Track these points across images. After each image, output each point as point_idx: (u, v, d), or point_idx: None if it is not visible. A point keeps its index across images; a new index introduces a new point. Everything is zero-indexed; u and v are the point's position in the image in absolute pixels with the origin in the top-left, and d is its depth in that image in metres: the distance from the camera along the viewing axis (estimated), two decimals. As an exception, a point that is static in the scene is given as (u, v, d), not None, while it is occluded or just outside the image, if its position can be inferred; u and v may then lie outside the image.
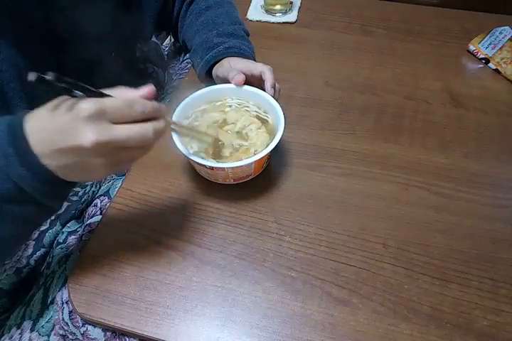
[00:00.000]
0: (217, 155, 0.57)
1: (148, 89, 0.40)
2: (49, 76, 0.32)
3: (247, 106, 0.61)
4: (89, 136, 0.35)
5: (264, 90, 0.59)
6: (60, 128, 0.36)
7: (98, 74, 0.53)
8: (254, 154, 0.54)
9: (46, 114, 0.37)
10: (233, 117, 0.60)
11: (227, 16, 0.70)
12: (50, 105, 0.37)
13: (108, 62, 0.60)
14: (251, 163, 0.53)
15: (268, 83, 0.58)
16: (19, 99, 0.51)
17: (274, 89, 0.59)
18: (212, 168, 0.53)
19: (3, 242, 0.42)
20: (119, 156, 0.39)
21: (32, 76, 0.32)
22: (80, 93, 0.35)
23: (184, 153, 0.53)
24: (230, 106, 0.61)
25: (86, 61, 0.57)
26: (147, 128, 0.38)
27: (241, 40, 0.67)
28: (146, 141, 0.39)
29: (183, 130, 0.53)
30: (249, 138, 0.58)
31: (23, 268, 0.61)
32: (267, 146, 0.53)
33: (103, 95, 0.37)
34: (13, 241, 0.44)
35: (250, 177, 0.59)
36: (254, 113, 0.60)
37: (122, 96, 0.38)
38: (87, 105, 0.35)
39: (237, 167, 0.53)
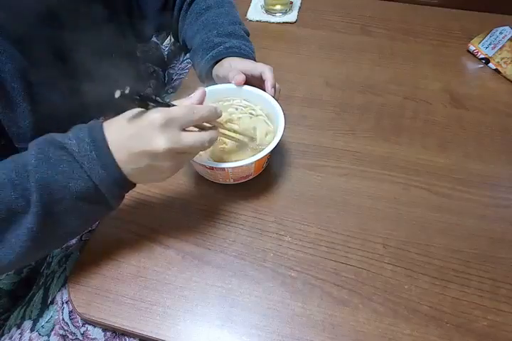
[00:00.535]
0: (218, 156, 0.57)
1: (199, 93, 0.45)
2: (130, 93, 0.37)
3: (253, 110, 0.61)
4: (162, 142, 0.40)
5: (264, 90, 0.59)
6: (136, 135, 0.41)
7: (99, 75, 0.53)
8: (257, 151, 0.54)
9: (123, 122, 0.42)
10: (247, 123, 0.60)
11: (228, 16, 0.70)
12: (125, 114, 0.42)
13: (109, 62, 0.60)
14: (251, 163, 0.53)
15: (268, 83, 0.58)
16: (22, 99, 0.51)
17: (275, 89, 0.59)
18: (212, 168, 0.53)
19: (66, 235, 0.48)
20: (182, 159, 0.44)
21: (117, 94, 0.37)
22: (152, 104, 0.41)
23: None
24: (236, 109, 0.61)
25: (88, 62, 0.57)
26: (206, 136, 0.44)
27: (241, 40, 0.67)
28: (204, 148, 0.45)
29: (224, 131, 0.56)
30: (254, 135, 0.58)
31: (23, 268, 0.61)
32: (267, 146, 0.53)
33: (169, 105, 0.42)
34: (72, 235, 0.49)
35: (250, 177, 0.59)
36: (262, 117, 0.60)
37: (183, 105, 0.44)
38: (159, 115, 0.40)
39: (237, 167, 0.53)
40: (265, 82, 0.58)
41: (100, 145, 0.41)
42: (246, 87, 0.60)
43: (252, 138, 0.57)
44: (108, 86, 0.40)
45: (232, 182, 0.58)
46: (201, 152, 0.56)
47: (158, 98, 0.41)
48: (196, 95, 0.45)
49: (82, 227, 0.49)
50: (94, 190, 0.42)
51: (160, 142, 0.40)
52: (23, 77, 0.50)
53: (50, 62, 0.54)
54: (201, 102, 0.46)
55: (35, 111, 0.53)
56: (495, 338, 0.48)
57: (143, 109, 0.41)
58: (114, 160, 0.41)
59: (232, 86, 0.60)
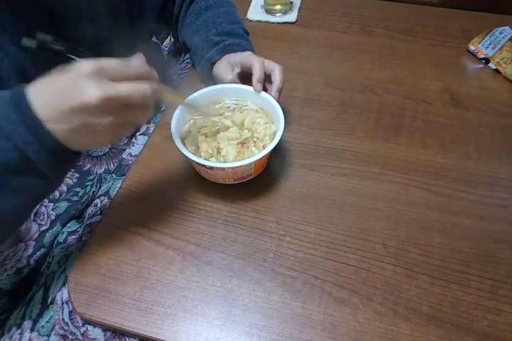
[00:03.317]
0: (218, 155, 0.57)
1: (137, 58, 0.41)
2: (46, 38, 0.34)
3: (246, 106, 0.61)
4: (94, 92, 0.35)
5: (264, 89, 0.59)
6: (63, 89, 0.36)
7: None
8: (263, 148, 0.54)
9: (47, 79, 0.37)
10: (240, 118, 0.60)
11: (227, 16, 0.70)
12: (50, 74, 0.37)
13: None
14: (251, 163, 0.53)
15: (275, 86, 0.56)
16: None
17: (280, 93, 0.57)
18: (212, 168, 0.53)
19: (5, 216, 0.41)
20: (123, 115, 0.39)
21: (28, 42, 0.33)
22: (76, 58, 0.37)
23: (185, 153, 0.53)
24: (229, 107, 0.61)
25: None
26: (146, 85, 0.39)
27: (240, 38, 0.67)
28: (147, 99, 0.39)
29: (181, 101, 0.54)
30: (256, 132, 0.58)
31: (23, 268, 0.61)
32: (266, 147, 0.53)
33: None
34: (14, 215, 0.43)
35: (250, 177, 0.59)
36: (256, 107, 0.60)
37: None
38: (87, 64, 0.36)
39: (237, 167, 0.53)
40: (272, 84, 0.57)
41: (22, 105, 0.36)
42: (245, 86, 0.60)
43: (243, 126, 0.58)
44: None
45: (232, 182, 0.58)
46: (202, 152, 0.56)
47: (84, 50, 0.38)
48: (134, 59, 0.41)
49: (25, 205, 0.43)
50: (23, 159, 0.37)
51: (91, 91, 0.35)
52: (20, 74, 0.49)
53: (49, 60, 0.54)
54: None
55: None
56: (495, 338, 0.48)
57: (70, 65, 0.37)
58: (39, 120, 0.36)
59: (230, 86, 0.60)
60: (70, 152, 0.39)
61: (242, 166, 0.52)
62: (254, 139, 0.58)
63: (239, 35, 0.67)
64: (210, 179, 0.59)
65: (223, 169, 0.53)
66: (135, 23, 0.67)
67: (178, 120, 0.56)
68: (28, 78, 0.50)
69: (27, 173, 0.38)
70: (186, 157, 0.53)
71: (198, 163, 0.53)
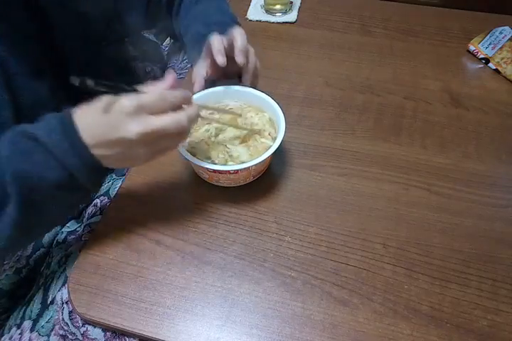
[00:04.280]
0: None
1: (170, 78, 0.44)
2: (89, 82, 0.38)
3: (228, 105, 0.61)
4: (133, 128, 0.40)
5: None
6: (107, 123, 0.41)
7: (91, 73, 0.53)
8: (270, 135, 0.57)
9: (93, 111, 0.41)
10: (228, 117, 0.60)
11: (216, 7, 0.68)
12: (95, 103, 0.41)
13: (95, 52, 0.60)
14: (248, 167, 0.52)
15: (236, 50, 0.54)
16: (2, 91, 0.50)
17: (248, 58, 0.55)
18: (214, 171, 0.53)
19: (52, 222, 0.49)
20: (159, 144, 0.43)
21: (74, 80, 0.37)
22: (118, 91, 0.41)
23: (208, 166, 0.52)
24: (212, 112, 0.61)
25: (74, 56, 0.56)
26: (181, 115, 0.42)
27: (227, 25, 0.64)
28: (182, 127, 0.43)
29: (208, 113, 0.57)
30: (254, 125, 0.58)
31: (23, 268, 0.61)
32: (268, 148, 0.54)
33: (138, 92, 0.42)
34: (58, 220, 0.51)
35: (264, 170, 0.59)
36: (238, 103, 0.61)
37: (154, 91, 0.43)
38: (128, 102, 0.40)
39: (259, 163, 0.52)
40: (235, 49, 0.54)
41: (72, 135, 0.41)
42: (244, 88, 0.60)
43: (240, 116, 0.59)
44: (93, 76, 0.40)
45: (251, 179, 0.59)
46: (216, 160, 0.56)
47: (124, 86, 0.41)
48: (167, 80, 0.44)
49: (67, 213, 0.51)
50: (70, 179, 0.42)
51: (130, 128, 0.40)
52: (3, 70, 0.49)
53: (35, 56, 0.53)
54: (172, 87, 0.45)
55: (15, 102, 0.51)
56: (495, 338, 0.48)
57: (114, 97, 0.41)
58: (87, 147, 0.41)
59: (229, 88, 0.60)
60: (110, 169, 0.45)
61: (263, 161, 0.52)
62: (257, 131, 0.58)
63: (226, 24, 0.64)
64: (228, 185, 0.58)
65: (247, 169, 0.53)
66: (122, 14, 0.66)
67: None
68: (8, 68, 0.50)
69: (72, 189, 0.44)
70: (210, 170, 0.53)
71: (197, 165, 0.52)
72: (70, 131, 0.41)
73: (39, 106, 0.52)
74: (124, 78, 0.46)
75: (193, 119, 0.44)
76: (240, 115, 0.59)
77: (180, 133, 0.44)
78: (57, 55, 0.56)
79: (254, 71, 0.58)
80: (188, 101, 0.45)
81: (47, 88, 0.55)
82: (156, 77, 0.86)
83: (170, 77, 0.45)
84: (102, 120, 0.41)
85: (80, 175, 0.42)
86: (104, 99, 0.41)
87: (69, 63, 0.57)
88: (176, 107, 0.43)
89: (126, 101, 0.40)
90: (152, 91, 0.42)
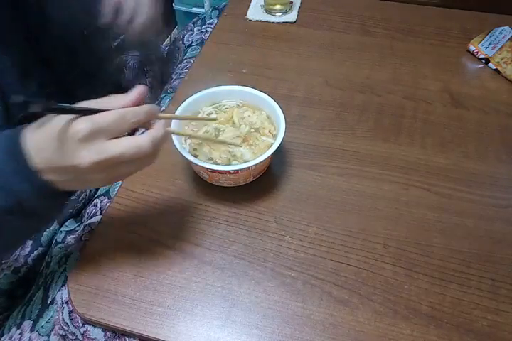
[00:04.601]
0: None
1: (137, 92, 0.39)
2: (35, 107, 0.33)
3: (224, 105, 0.61)
4: (85, 156, 0.36)
5: None
6: (59, 148, 0.37)
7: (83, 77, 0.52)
8: (271, 134, 0.57)
9: (45, 133, 0.37)
10: (226, 117, 0.60)
11: None
12: (48, 123, 0.37)
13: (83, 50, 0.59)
14: (248, 167, 0.52)
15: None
16: None
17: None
18: (214, 171, 0.53)
19: (11, 246, 0.47)
20: (117, 170, 0.40)
21: (17, 99, 0.32)
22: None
23: (189, 158, 0.53)
24: (210, 113, 0.61)
25: (59, 53, 0.56)
26: (142, 139, 0.38)
27: None
28: (143, 153, 0.38)
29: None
30: (253, 123, 0.59)
31: (21, 267, 0.61)
32: (270, 146, 0.54)
33: (93, 111, 0.37)
34: (18, 244, 0.49)
35: (265, 170, 0.59)
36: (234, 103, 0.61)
37: (113, 106, 0.38)
38: (82, 125, 0.36)
39: (259, 162, 0.52)
40: None
41: (19, 158, 0.37)
42: (243, 88, 0.60)
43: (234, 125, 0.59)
44: (85, 77, 0.39)
45: (251, 179, 0.59)
46: (218, 160, 0.56)
47: (74, 107, 0.37)
48: (133, 93, 0.39)
49: (27, 236, 0.49)
50: (21, 205, 0.39)
51: (83, 156, 0.36)
52: None
53: (24, 56, 0.52)
54: (139, 102, 0.40)
55: (3, 100, 0.49)
56: (495, 338, 0.48)
57: (67, 117, 0.36)
58: (36, 172, 0.37)
59: (227, 88, 0.60)
60: (63, 192, 0.40)
61: (264, 160, 0.52)
62: (256, 129, 0.58)
63: None
64: (228, 185, 0.58)
65: (247, 169, 0.53)
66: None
67: (178, 139, 0.55)
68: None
69: (28, 215, 0.41)
70: (210, 170, 0.53)
71: (197, 165, 0.52)
72: (17, 153, 0.37)
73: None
74: (109, 74, 0.45)
75: (159, 141, 0.39)
76: (216, 119, 0.58)
77: (143, 157, 0.39)
78: (42, 52, 0.55)
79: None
80: (153, 117, 0.40)
81: (36, 86, 0.53)
82: (156, 77, 0.85)
83: (138, 90, 0.40)
84: (53, 144, 0.37)
85: (32, 201, 0.39)
86: (57, 120, 0.37)
87: (55, 61, 0.56)
88: (142, 125, 0.40)
89: (81, 124, 0.36)
90: (111, 112, 0.37)
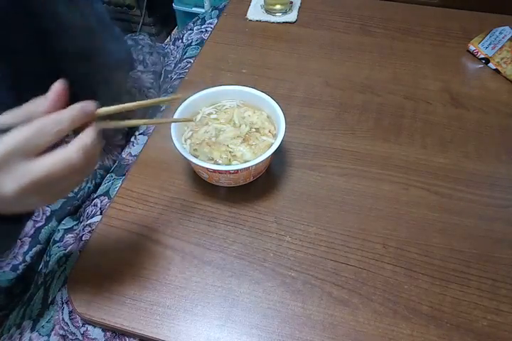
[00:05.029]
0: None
1: (55, 90, 0.34)
2: None
3: (225, 105, 0.61)
4: (7, 185, 0.32)
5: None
6: None
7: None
8: (271, 134, 0.57)
9: None
10: (227, 117, 0.60)
11: None
12: None
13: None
14: (248, 167, 0.52)
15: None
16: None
17: None
18: (214, 171, 0.53)
19: None
20: (53, 190, 0.35)
21: None
22: None
23: (189, 158, 0.52)
24: (209, 113, 0.61)
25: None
26: (70, 151, 0.33)
27: None
28: (74, 166, 0.33)
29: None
30: (254, 123, 0.59)
31: (19, 264, 0.61)
32: (270, 145, 0.54)
33: (3, 131, 0.32)
34: None
35: (250, 180, 0.59)
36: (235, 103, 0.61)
37: (35, 114, 0.33)
38: None
39: (259, 162, 0.52)
40: None
41: None
42: (243, 88, 0.60)
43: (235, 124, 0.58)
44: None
45: (251, 179, 0.59)
46: (219, 160, 0.55)
47: None
48: (52, 92, 0.33)
49: None
50: None
51: (4, 185, 0.32)
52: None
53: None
54: (62, 102, 0.34)
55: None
56: (495, 338, 0.48)
57: None
58: None
59: (227, 88, 0.60)
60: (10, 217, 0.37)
61: (264, 160, 0.52)
62: (256, 129, 0.58)
63: None
64: (228, 185, 0.58)
65: (247, 169, 0.53)
66: None
67: (178, 139, 0.55)
68: None
69: None
70: (209, 170, 0.53)
71: (198, 166, 0.52)
72: None
73: None
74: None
75: (90, 147, 0.33)
76: (194, 120, 0.58)
77: (78, 169, 0.34)
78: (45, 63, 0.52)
79: None
80: (88, 118, 0.34)
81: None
82: (156, 76, 0.85)
83: (56, 87, 0.33)
84: None
85: None
86: None
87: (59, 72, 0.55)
88: (78, 128, 0.34)
89: None
90: (25, 127, 0.32)
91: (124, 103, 0.37)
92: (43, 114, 0.33)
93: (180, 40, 0.91)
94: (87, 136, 0.34)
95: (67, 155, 0.33)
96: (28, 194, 0.33)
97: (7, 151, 0.31)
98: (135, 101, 0.39)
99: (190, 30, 0.90)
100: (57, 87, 0.34)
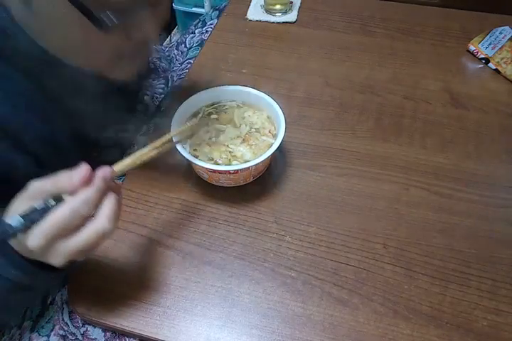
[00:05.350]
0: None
1: (81, 172, 0.37)
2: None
3: (225, 105, 0.61)
4: (55, 263, 0.38)
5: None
6: (33, 254, 0.38)
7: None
8: (271, 134, 0.57)
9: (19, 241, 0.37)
10: (227, 118, 0.60)
11: None
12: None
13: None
14: (248, 167, 0.52)
15: None
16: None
17: None
18: (214, 171, 0.53)
19: (18, 312, 0.53)
20: (93, 248, 0.39)
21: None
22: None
23: (189, 158, 0.52)
24: (209, 114, 0.61)
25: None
26: (101, 223, 0.37)
27: None
28: (105, 232, 0.37)
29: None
30: (254, 124, 0.59)
31: None
32: (270, 145, 0.54)
33: (44, 211, 0.36)
34: (22, 308, 0.53)
35: (250, 180, 0.59)
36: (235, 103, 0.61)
37: (63, 189, 0.37)
38: (34, 242, 0.35)
39: (260, 162, 0.52)
40: None
41: (8, 254, 0.39)
42: (243, 88, 0.60)
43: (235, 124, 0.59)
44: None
45: (251, 179, 0.59)
46: (219, 160, 0.56)
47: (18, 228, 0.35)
48: (78, 173, 0.37)
49: (32, 302, 0.53)
50: (16, 286, 0.41)
51: (54, 263, 0.38)
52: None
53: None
54: (87, 178, 0.37)
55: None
56: (495, 338, 0.48)
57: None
58: (25, 263, 0.39)
59: (227, 88, 0.60)
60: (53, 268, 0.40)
61: (264, 160, 0.52)
62: (256, 129, 0.58)
63: None
64: (228, 185, 0.58)
65: (247, 169, 0.53)
66: None
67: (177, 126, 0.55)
68: None
69: (28, 289, 0.43)
70: (209, 170, 0.53)
71: (198, 165, 0.52)
72: (7, 252, 0.39)
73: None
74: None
75: (115, 214, 0.38)
76: (192, 133, 0.58)
77: (109, 234, 0.38)
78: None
79: None
80: (109, 182, 0.38)
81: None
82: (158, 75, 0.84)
83: (81, 170, 0.37)
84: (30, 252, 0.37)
85: (27, 281, 0.41)
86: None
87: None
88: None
89: (32, 241, 0.35)
90: (56, 213, 0.35)
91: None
92: (69, 191, 0.37)
93: (183, 45, 0.91)
94: (111, 203, 0.38)
95: (99, 226, 0.37)
96: (74, 258, 0.38)
97: (52, 237, 0.35)
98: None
99: (192, 33, 0.90)
100: (83, 170, 0.37)
